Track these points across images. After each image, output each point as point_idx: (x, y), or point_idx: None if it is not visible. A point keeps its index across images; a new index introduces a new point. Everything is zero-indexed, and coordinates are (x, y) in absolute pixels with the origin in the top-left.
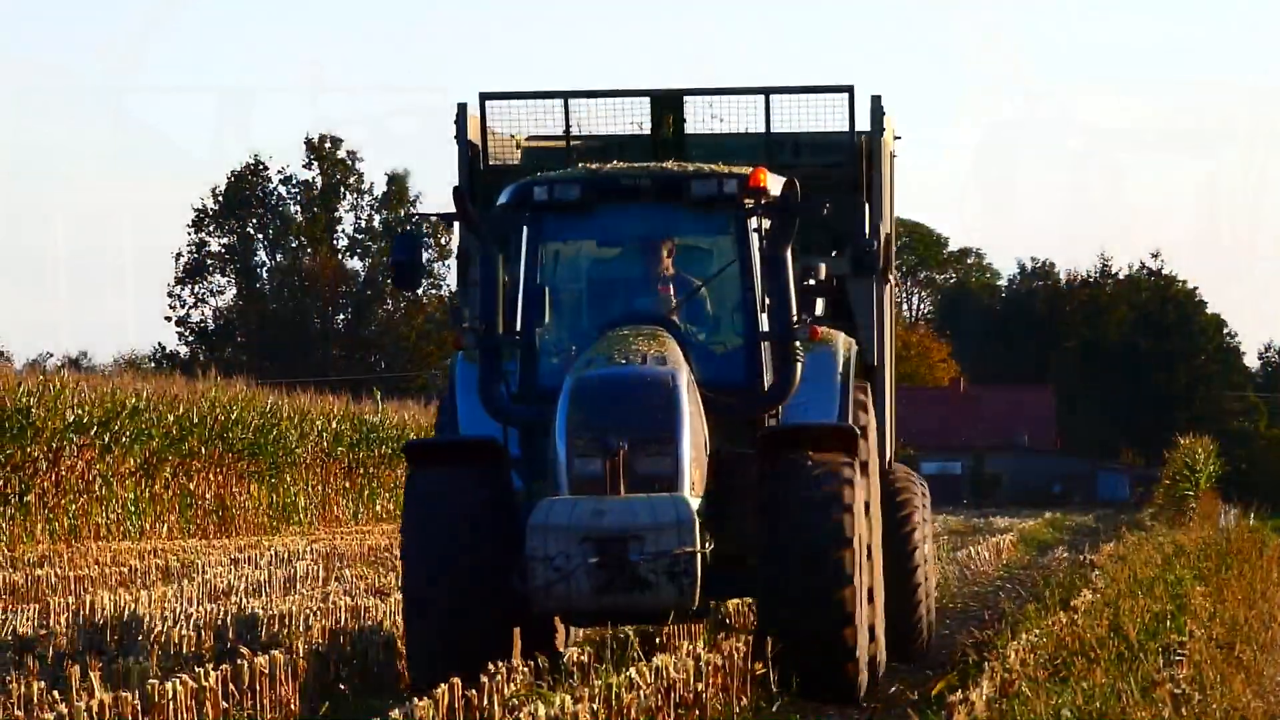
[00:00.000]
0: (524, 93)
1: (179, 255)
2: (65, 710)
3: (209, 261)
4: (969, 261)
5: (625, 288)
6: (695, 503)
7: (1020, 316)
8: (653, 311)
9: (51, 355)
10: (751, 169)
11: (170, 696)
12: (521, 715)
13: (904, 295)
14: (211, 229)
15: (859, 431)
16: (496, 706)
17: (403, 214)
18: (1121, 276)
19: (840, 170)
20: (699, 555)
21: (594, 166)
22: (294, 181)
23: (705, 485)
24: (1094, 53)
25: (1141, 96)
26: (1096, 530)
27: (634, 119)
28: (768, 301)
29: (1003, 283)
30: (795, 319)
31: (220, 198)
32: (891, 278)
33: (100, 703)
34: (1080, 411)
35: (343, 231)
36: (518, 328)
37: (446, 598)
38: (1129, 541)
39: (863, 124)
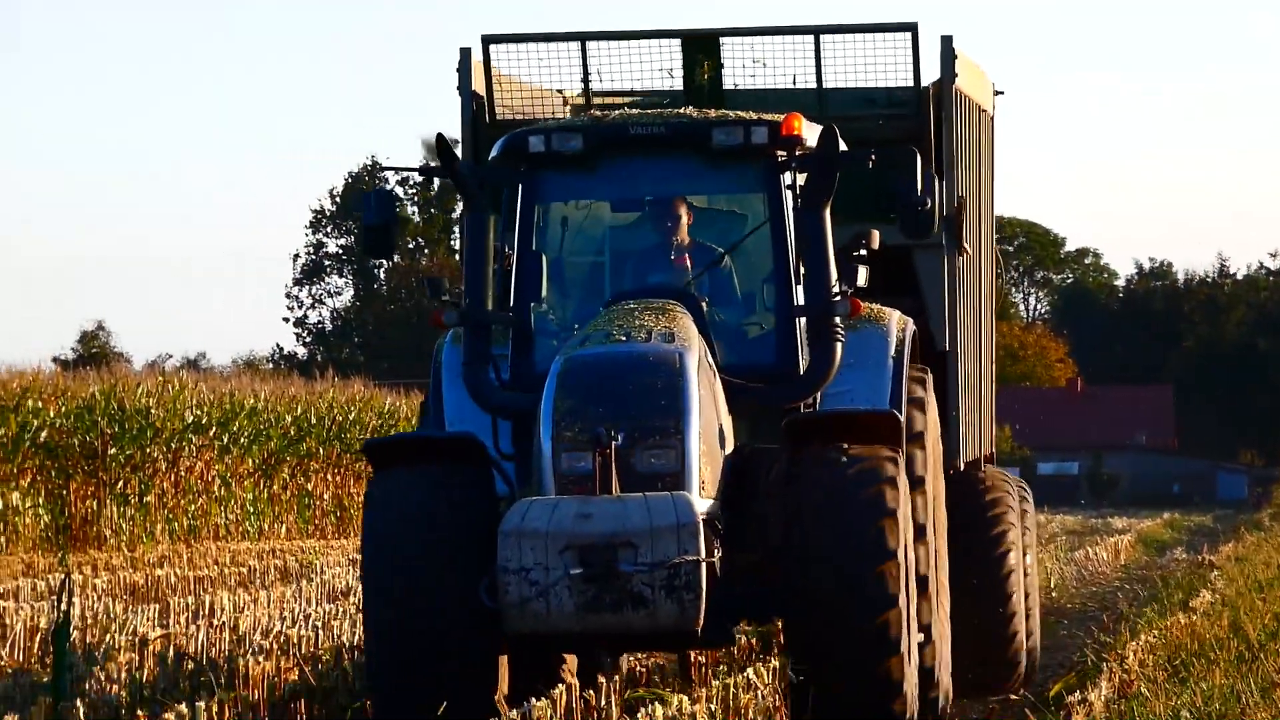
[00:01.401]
0: (533, 35)
1: (297, 256)
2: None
3: (326, 262)
4: (1086, 261)
5: (635, 255)
6: (704, 504)
7: (1138, 316)
8: (667, 283)
9: (170, 356)
10: (784, 115)
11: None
12: (639, 716)
13: (1021, 295)
14: (329, 230)
15: (902, 418)
16: (615, 707)
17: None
18: (1240, 276)
19: (904, 123)
20: (704, 565)
21: (598, 113)
22: (411, 182)
23: (721, 485)
24: (1210, 51)
25: (1260, 96)
26: (1215, 531)
27: (664, 64)
28: (803, 271)
29: (1120, 283)
30: (835, 291)
31: (337, 199)
32: (967, 249)
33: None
34: (1198, 411)
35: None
36: (510, 302)
37: (412, 626)
38: (1248, 542)
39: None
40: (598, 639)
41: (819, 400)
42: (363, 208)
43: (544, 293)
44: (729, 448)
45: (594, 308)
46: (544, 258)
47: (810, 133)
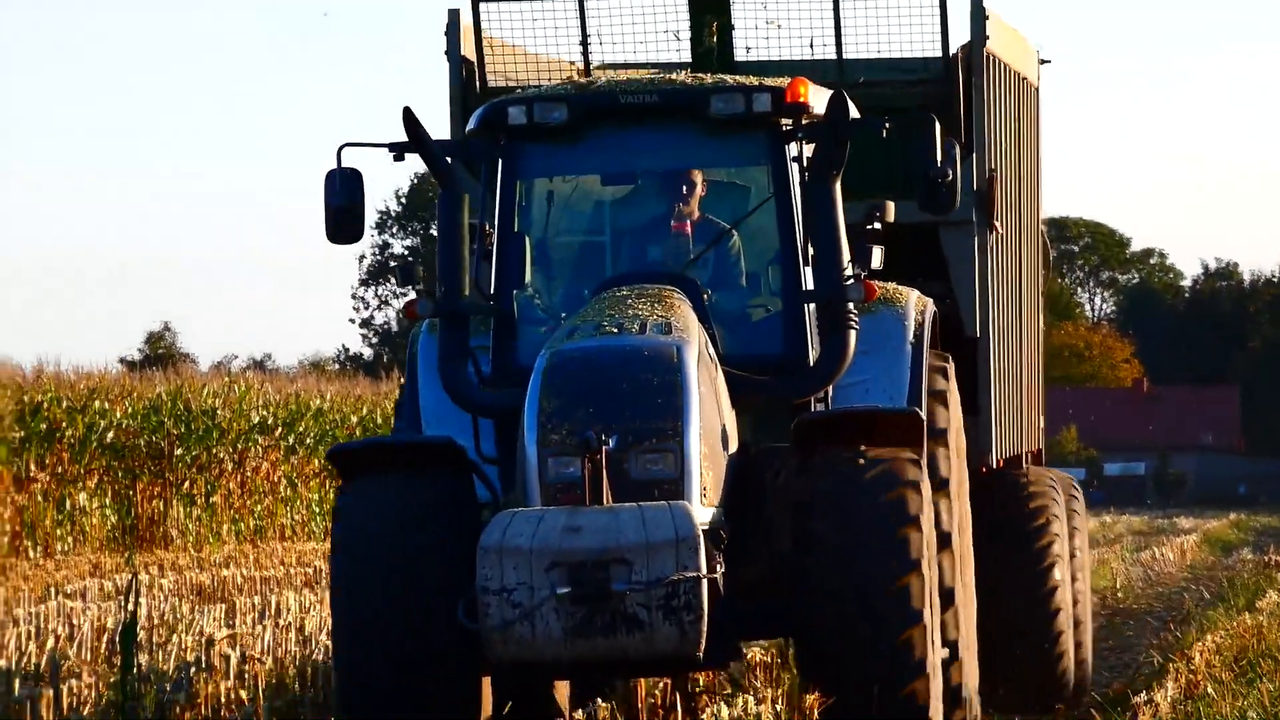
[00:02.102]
0: None
1: (362, 258)
2: None
3: (392, 263)
4: (1151, 262)
5: (628, 235)
6: (706, 513)
7: (1204, 316)
8: (663, 266)
9: (236, 357)
10: (789, 80)
11: None
12: (704, 716)
13: (1087, 296)
14: (394, 231)
15: (924, 416)
16: (679, 708)
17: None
18: None
19: (931, 90)
20: (705, 583)
21: (585, 80)
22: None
23: (725, 492)
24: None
25: None
26: None
27: (669, 27)
28: (812, 252)
29: (1186, 283)
30: (847, 274)
31: (403, 200)
32: (998, 227)
33: None
34: (1264, 411)
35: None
36: (490, 290)
37: (385, 650)
38: None
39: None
40: (588, 666)
41: (831, 393)
42: (326, 188)
43: (528, 278)
44: (732, 448)
45: (583, 294)
46: (527, 239)
47: (818, 99)
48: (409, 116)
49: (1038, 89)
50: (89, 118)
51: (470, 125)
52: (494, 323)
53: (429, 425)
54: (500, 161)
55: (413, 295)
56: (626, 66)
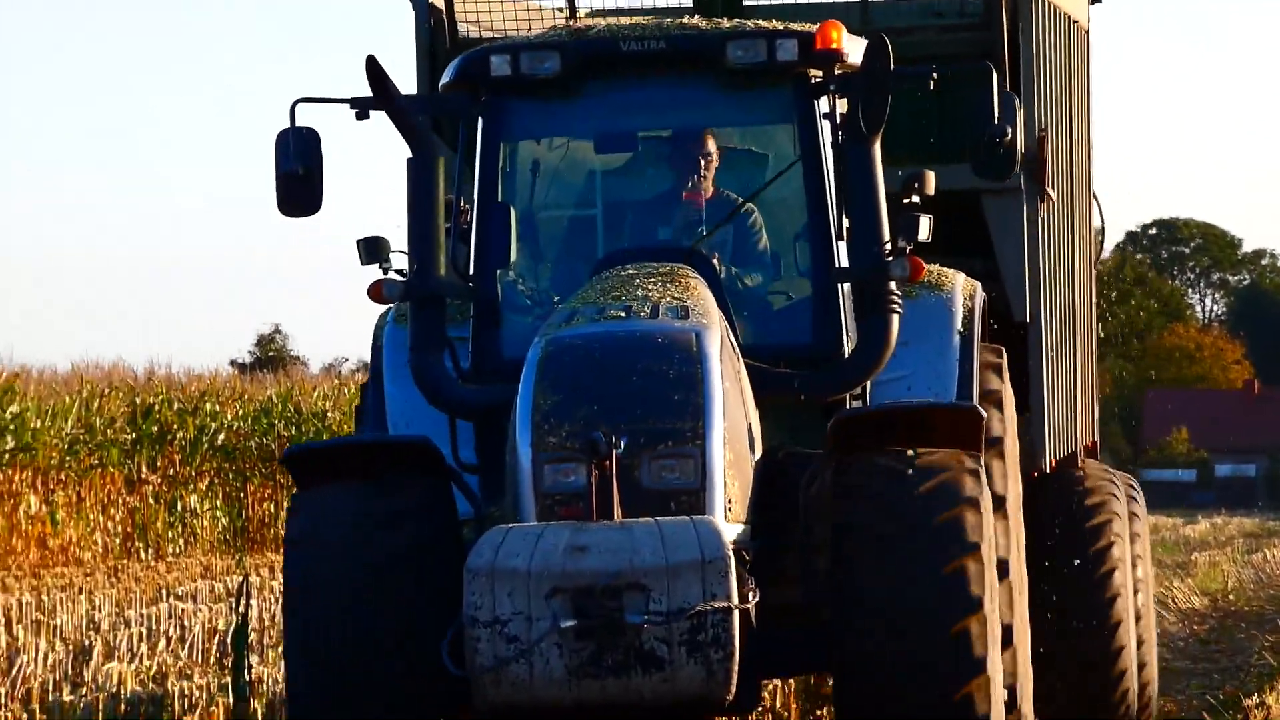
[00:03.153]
0: None
1: None
2: None
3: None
4: (1263, 263)
5: (629, 208)
6: (733, 530)
7: None
8: (672, 241)
9: (346, 360)
10: (819, 24)
11: None
12: None
13: (1198, 297)
14: None
15: (984, 414)
16: None
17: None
18: None
19: (971, 37)
20: (737, 614)
21: (583, 26)
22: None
23: (751, 504)
24: None
25: None
26: None
27: None
28: (846, 224)
29: None
30: (889, 248)
31: None
32: (1051, 194)
33: None
34: None
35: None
36: (470, 270)
37: (340, 689)
38: None
39: None
40: (596, 712)
41: (869, 390)
42: (277, 151)
43: (513, 256)
44: (758, 453)
45: (578, 276)
46: (513, 211)
47: (852, 46)
48: (373, 66)
49: (1088, 32)
50: (199, 119)
51: (445, 78)
52: (473, 309)
53: (396, 428)
54: (481, 120)
55: (379, 275)
56: (619, 13)
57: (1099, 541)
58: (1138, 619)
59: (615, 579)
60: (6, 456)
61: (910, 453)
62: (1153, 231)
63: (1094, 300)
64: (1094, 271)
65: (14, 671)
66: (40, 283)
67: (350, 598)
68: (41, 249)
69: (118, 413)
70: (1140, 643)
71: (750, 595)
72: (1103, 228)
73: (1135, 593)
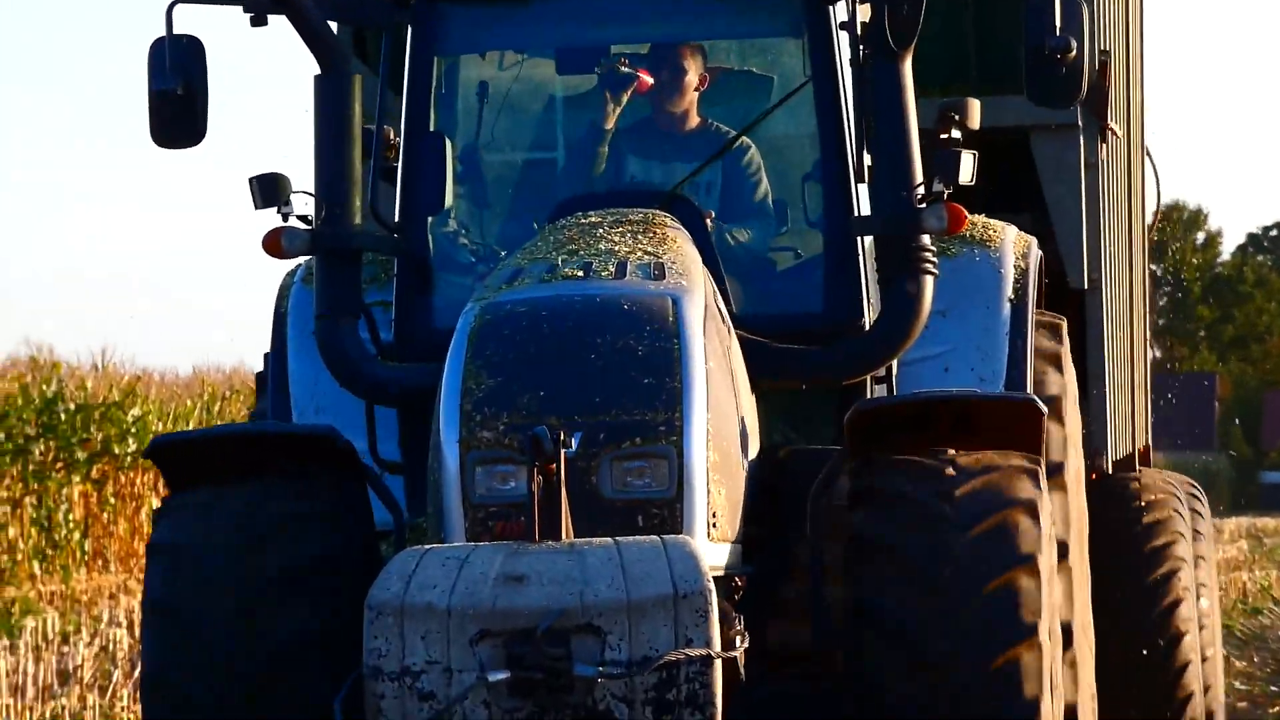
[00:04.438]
0: None
1: None
2: None
3: None
4: None
5: (599, 140)
6: (718, 553)
7: None
8: (648, 182)
9: None
10: None
11: None
12: None
13: None
14: None
15: (1044, 409)
16: None
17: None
18: None
19: None
20: (719, 664)
21: None
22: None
23: (743, 518)
24: None
25: None
26: None
27: None
28: (869, 163)
29: None
30: (921, 193)
31: None
32: (1115, 130)
33: None
34: None
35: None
36: (394, 218)
37: None
38: None
39: None
40: None
41: (895, 373)
42: (150, 66)
43: (449, 200)
44: (752, 452)
45: (532, 223)
46: (450, 144)
47: None
48: None
49: None
50: None
51: None
52: (398, 266)
53: (301, 414)
54: (410, 30)
55: (279, 222)
56: None
57: (1162, 556)
58: (1202, 630)
59: (561, 619)
60: (129, 459)
61: (951, 452)
62: (1274, 233)
63: (1146, 281)
64: (1146, 245)
65: (136, 672)
66: (159, 286)
67: (224, 632)
68: (157, 251)
69: (239, 416)
70: (1204, 659)
71: (739, 639)
72: (1158, 191)
73: (1198, 605)
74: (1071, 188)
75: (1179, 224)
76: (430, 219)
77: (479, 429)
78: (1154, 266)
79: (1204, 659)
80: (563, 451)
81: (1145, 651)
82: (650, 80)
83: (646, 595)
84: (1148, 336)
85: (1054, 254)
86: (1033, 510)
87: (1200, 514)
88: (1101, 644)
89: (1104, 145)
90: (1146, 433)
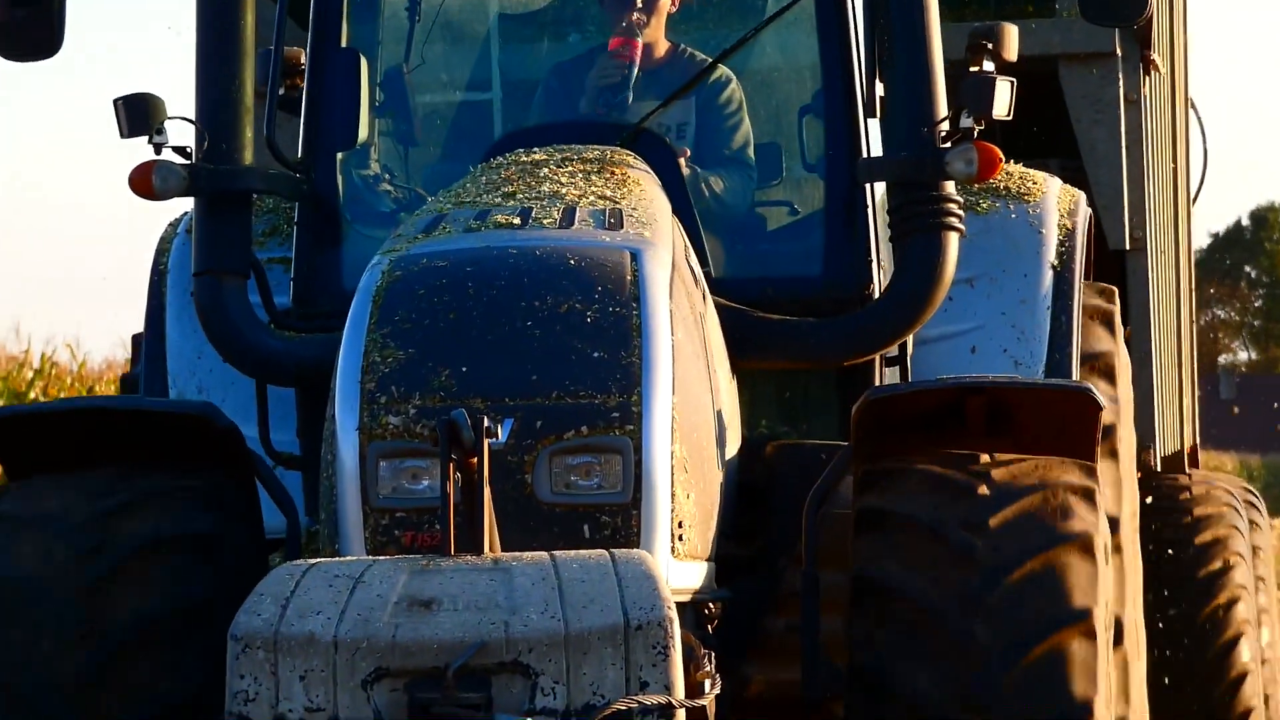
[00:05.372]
0: None
1: None
2: None
3: None
4: None
5: (548, 68)
6: (688, 573)
7: None
8: (607, 117)
9: None
10: None
11: None
12: None
13: None
14: None
15: (1101, 402)
16: None
17: None
18: None
19: None
20: (683, 714)
21: None
22: None
23: (719, 529)
24: None
25: None
26: None
27: None
28: (880, 93)
29: None
30: (945, 130)
31: None
32: (1158, 63)
33: None
34: None
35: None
36: (297, 154)
37: None
38: None
39: None
40: None
41: (910, 351)
42: None
43: (363, 133)
44: (732, 448)
45: (470, 163)
46: (363, 69)
47: None
48: None
49: None
50: None
51: None
52: (299, 214)
53: (179, 389)
54: None
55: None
56: None
57: (1216, 569)
58: (1263, 662)
59: (480, 655)
60: None
61: (986, 459)
62: (1190, 98)
63: (1191, 253)
64: (1190, 216)
65: None
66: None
67: (67, 661)
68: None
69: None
70: (1266, 697)
71: (708, 683)
72: (1205, 151)
73: (1260, 627)
74: (1110, 128)
75: (1276, 225)
76: (340, 156)
77: (383, 413)
78: (1250, 268)
79: (1266, 701)
80: (487, 442)
81: (1196, 702)
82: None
83: (590, 626)
84: (1194, 321)
85: (1103, 208)
86: (1087, 545)
87: (1258, 524)
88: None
89: (1147, 79)
90: (1195, 429)
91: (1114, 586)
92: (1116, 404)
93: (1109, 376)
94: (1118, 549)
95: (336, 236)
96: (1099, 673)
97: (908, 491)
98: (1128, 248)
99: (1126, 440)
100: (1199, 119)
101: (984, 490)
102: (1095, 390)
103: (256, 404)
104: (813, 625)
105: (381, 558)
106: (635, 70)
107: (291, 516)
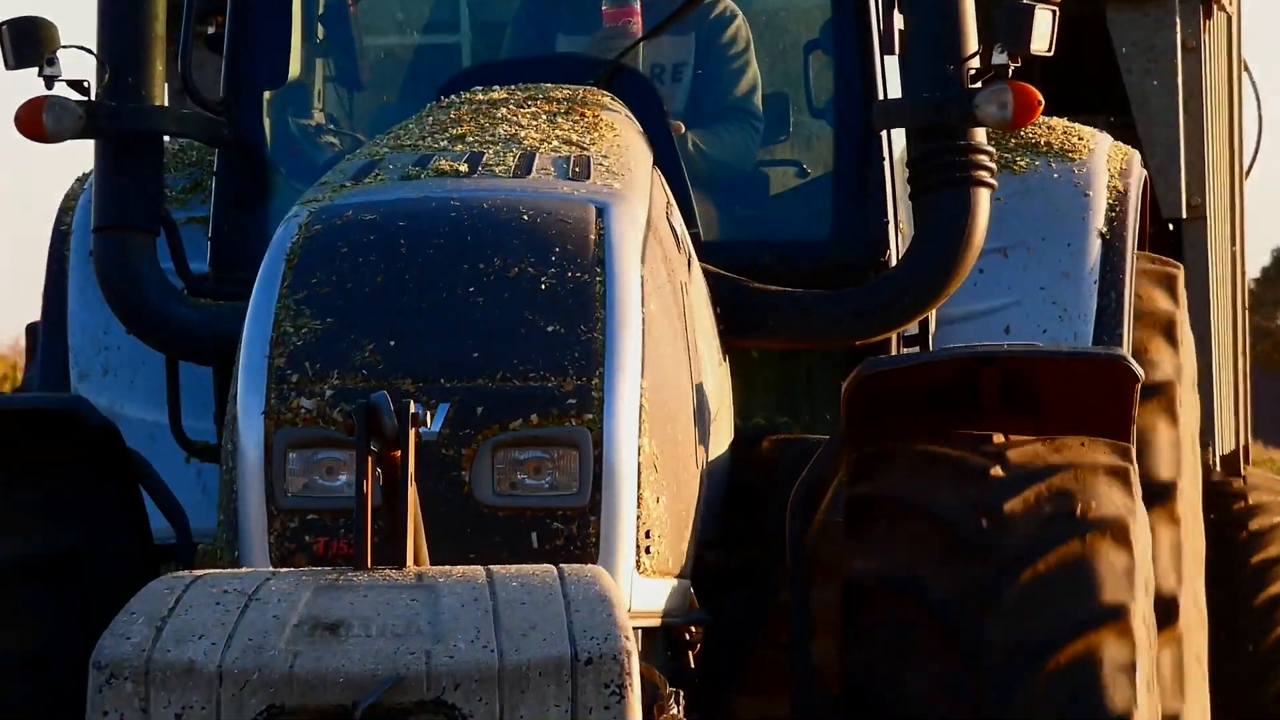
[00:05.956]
0: None
1: None
2: None
3: None
4: None
5: (511, 21)
6: (656, 591)
7: None
8: (576, 51)
9: None
10: None
11: None
12: None
13: None
14: None
15: (1139, 372)
16: None
17: None
18: None
19: None
20: None
21: None
22: None
23: (694, 539)
24: None
25: None
26: None
27: None
28: (900, 27)
29: None
30: (975, 68)
31: None
32: (1227, 3)
33: None
34: None
35: None
36: (219, 94)
37: None
38: None
39: None
40: None
41: (933, 329)
42: None
43: (295, 69)
44: (721, 443)
45: (416, 106)
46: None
47: None
48: None
49: None
50: None
51: None
52: (219, 163)
53: (84, 381)
54: None
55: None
56: None
57: (1271, 587)
58: None
59: (395, 691)
60: None
61: (998, 439)
62: (1244, 59)
63: (1244, 231)
64: (1242, 190)
65: None
66: None
67: None
68: None
69: None
70: None
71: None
72: (1260, 119)
73: None
74: (1165, 79)
75: None
76: (271, 98)
77: (295, 395)
78: None
79: None
80: (414, 431)
81: (1244, 695)
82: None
83: (530, 658)
84: (1247, 307)
85: (1157, 166)
86: (1120, 533)
87: None
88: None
89: (1208, 24)
90: (1248, 424)
91: (1169, 560)
92: (1178, 360)
93: (1169, 336)
94: (1175, 519)
95: (264, 191)
96: (1140, 679)
97: (906, 474)
98: (1184, 216)
99: (1189, 404)
100: (1253, 82)
101: (997, 471)
102: (1131, 360)
103: (167, 385)
104: (803, 645)
105: (283, 570)
106: (640, 35)
107: (180, 522)
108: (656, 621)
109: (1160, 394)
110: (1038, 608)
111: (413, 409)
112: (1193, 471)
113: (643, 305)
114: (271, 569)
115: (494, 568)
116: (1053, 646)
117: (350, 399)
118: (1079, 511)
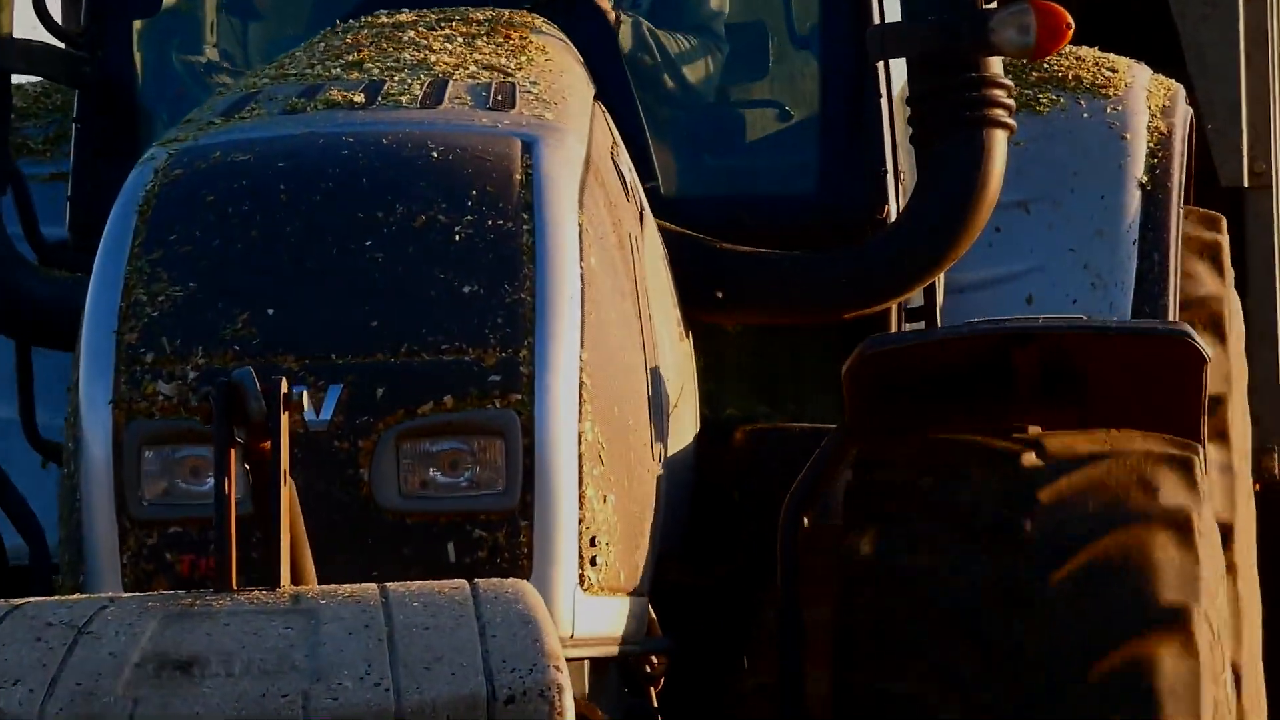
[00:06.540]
0: None
1: None
2: None
3: None
4: None
5: None
6: (603, 611)
7: None
8: None
9: None
10: None
11: None
12: None
13: None
14: None
15: (1207, 352)
16: None
17: None
18: None
19: None
20: None
21: None
22: None
23: (653, 550)
24: None
25: None
26: None
27: None
28: None
29: None
30: None
31: None
32: None
33: None
34: None
35: None
36: (79, 23)
37: None
38: None
39: None
40: None
41: (940, 298)
42: None
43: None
44: (682, 432)
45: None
46: None
47: None
48: None
49: None
50: None
51: None
52: (78, 107)
53: None
54: None
55: None
56: None
57: None
58: None
59: None
60: None
61: (1034, 430)
62: None
63: None
64: None
65: None
66: None
67: None
68: None
69: None
70: None
71: None
72: None
73: None
74: (1224, 27)
75: None
76: (139, 26)
77: (149, 378)
78: None
79: None
80: (285, 415)
81: None
82: None
83: (434, 697)
84: None
85: (1208, 109)
86: (1182, 524)
87: None
88: None
89: None
90: None
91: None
92: (1227, 365)
93: (1216, 329)
94: (1229, 568)
95: (134, 141)
96: (1204, 696)
97: (921, 461)
98: (1246, 184)
99: (1240, 423)
100: None
101: (1032, 460)
102: (1196, 337)
103: (17, 375)
104: (795, 681)
105: (123, 595)
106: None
107: (35, 538)
108: (609, 650)
109: (1205, 309)
110: (1079, 607)
111: (285, 387)
112: (1246, 509)
113: (581, 260)
114: (108, 595)
115: (391, 585)
116: (1098, 652)
117: (214, 379)
118: (1131, 501)
